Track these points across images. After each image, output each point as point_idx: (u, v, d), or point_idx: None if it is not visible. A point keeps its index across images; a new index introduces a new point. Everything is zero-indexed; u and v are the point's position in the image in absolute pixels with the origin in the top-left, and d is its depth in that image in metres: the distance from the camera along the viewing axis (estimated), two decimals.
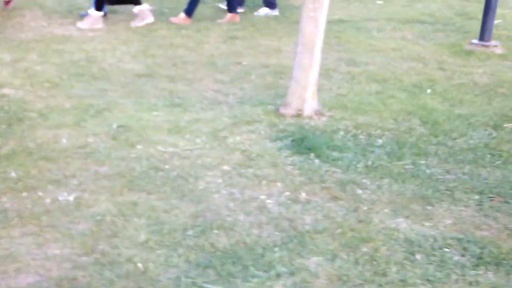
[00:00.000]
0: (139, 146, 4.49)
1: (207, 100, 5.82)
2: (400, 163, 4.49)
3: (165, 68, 6.71)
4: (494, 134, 5.17)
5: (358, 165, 4.40)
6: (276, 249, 3.23)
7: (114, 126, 4.82)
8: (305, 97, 5.43)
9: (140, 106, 5.36)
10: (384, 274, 3.04)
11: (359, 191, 3.99)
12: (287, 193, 3.91)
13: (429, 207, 3.81)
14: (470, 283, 2.99)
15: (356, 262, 3.15)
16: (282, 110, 5.47)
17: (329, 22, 7.97)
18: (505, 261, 3.19)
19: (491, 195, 3.99)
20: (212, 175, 4.11)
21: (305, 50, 5.40)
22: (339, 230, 3.46)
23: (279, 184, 4.04)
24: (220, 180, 4.04)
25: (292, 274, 3.00)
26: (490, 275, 3.07)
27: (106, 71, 6.37)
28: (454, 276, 3.04)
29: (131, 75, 6.31)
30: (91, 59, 6.73)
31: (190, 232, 3.35)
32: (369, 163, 4.46)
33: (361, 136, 5.01)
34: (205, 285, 2.86)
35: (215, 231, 3.37)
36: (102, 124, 4.86)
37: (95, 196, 3.71)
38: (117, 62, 6.72)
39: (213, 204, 3.70)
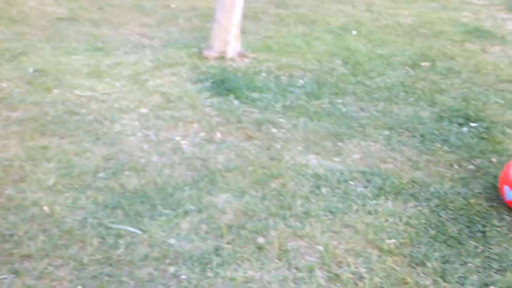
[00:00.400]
0: (55, 91, 4.44)
1: (131, 44, 5.76)
2: (317, 102, 4.58)
3: (89, 12, 6.58)
4: (411, 73, 5.31)
5: (276, 105, 4.47)
6: (186, 188, 3.28)
7: (30, 70, 4.74)
8: (228, 39, 5.43)
9: (59, 50, 5.26)
10: (289, 208, 3.14)
11: (274, 130, 4.06)
12: (203, 134, 3.95)
13: (340, 143, 3.92)
14: (369, 212, 3.12)
15: (264, 197, 3.23)
16: (206, 53, 5.46)
17: None
18: (404, 190, 3.33)
19: (400, 130, 4.13)
20: (128, 118, 4.12)
21: None
22: (250, 168, 3.53)
23: (195, 125, 4.08)
24: (136, 123, 4.05)
25: (199, 211, 3.07)
26: (389, 203, 3.21)
27: (26, 14, 6.20)
28: (355, 207, 3.16)
29: (52, 18, 6.17)
30: (10, 1, 6.53)
31: (101, 175, 3.36)
32: (288, 103, 4.53)
33: (282, 77, 5.08)
34: (111, 225, 2.90)
35: (127, 173, 3.40)
36: (17, 68, 4.77)
37: (4, 142, 3.67)
38: (38, 5, 6.55)
39: (127, 146, 3.72)
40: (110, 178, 3.33)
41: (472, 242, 2.89)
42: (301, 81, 5.00)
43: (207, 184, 3.34)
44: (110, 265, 2.61)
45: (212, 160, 3.62)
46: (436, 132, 4.12)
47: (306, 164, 3.62)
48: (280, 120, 4.23)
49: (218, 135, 3.96)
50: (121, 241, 2.78)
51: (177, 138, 3.87)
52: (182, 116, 4.19)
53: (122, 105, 4.29)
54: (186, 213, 3.05)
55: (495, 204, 3.24)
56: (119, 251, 2.71)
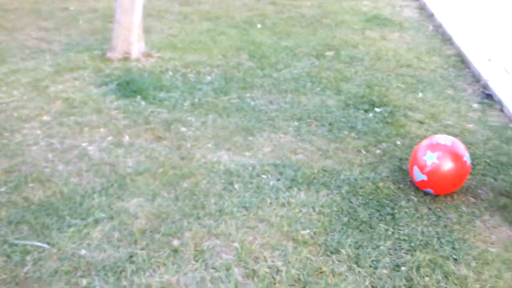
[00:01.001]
0: None
1: (29, 49, 5.53)
2: (226, 98, 4.55)
3: None
4: (316, 63, 5.38)
5: (184, 104, 4.42)
6: (95, 195, 3.18)
7: None
8: (131, 40, 5.31)
9: None
10: (203, 207, 3.10)
11: (184, 129, 4.01)
12: (110, 138, 3.84)
13: (250, 138, 3.91)
14: (283, 204, 3.13)
15: (177, 198, 3.18)
16: (109, 55, 5.32)
17: None
18: (315, 180, 3.37)
19: (309, 120, 4.17)
20: (30, 127, 3.94)
21: None
22: (160, 170, 3.46)
23: (102, 129, 3.96)
24: (38, 132, 3.88)
25: (111, 218, 2.98)
26: (302, 194, 3.23)
27: None
28: (268, 200, 3.17)
29: None
30: None
31: (2, 189, 3.20)
32: (196, 100, 4.49)
33: (190, 75, 5.02)
34: (16, 241, 2.77)
35: (31, 185, 3.25)
36: None
37: None
38: None
39: (30, 156, 3.56)
40: (13, 192, 3.18)
41: (383, 225, 2.96)
42: (208, 78, 4.96)
43: (117, 189, 3.25)
44: (17, 284, 2.49)
45: (121, 164, 3.52)
46: (343, 119, 4.20)
47: (218, 161, 3.60)
48: (189, 118, 4.18)
49: (126, 138, 3.86)
50: (28, 258, 2.65)
51: (83, 145, 3.75)
52: (88, 121, 4.06)
53: (22, 114, 4.11)
54: (96, 221, 2.95)
55: (401, 186, 3.33)
56: (26, 268, 2.58)
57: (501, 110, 4.42)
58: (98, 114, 4.19)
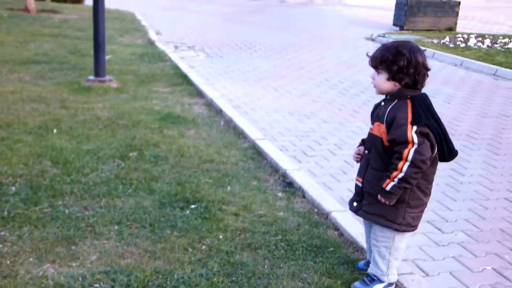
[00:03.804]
0: None
1: None
2: (37, 208, 4.41)
3: None
4: (122, 165, 5.45)
5: None
6: None
7: None
8: None
9: None
10: None
11: None
12: None
13: (73, 247, 3.84)
14: None
15: None
16: None
17: None
18: (150, 283, 3.42)
19: (128, 223, 4.22)
20: None
21: None
22: None
23: None
24: None
25: None
26: None
27: None
28: None
29: None
30: None
31: None
32: (5, 213, 4.28)
33: None
34: None
35: None
36: None
37: None
38: None
39: None
40: None
41: None
42: (13, 188, 4.76)
43: None
44: None
45: None
46: (162, 219, 4.31)
47: (44, 275, 3.47)
48: (2, 233, 3.97)
49: None
50: None
51: None
52: None
53: None
54: None
55: (234, 278, 3.52)
56: None
57: (303, 196, 4.90)
58: None
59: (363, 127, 7.39)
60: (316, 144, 6.62)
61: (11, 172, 5.11)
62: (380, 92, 3.33)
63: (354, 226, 4.31)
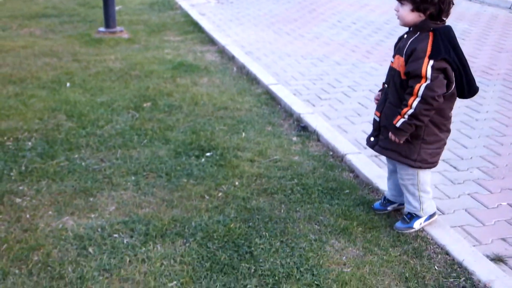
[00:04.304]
0: None
1: None
2: (54, 161, 4.45)
3: None
4: (137, 115, 5.46)
5: (11, 173, 4.23)
6: None
7: None
8: None
9: None
10: (61, 277, 3.03)
11: (18, 200, 3.85)
12: None
13: (91, 199, 3.88)
14: (143, 260, 3.17)
15: (30, 273, 3.06)
16: None
17: None
18: (168, 231, 3.46)
19: (145, 173, 4.24)
20: None
21: None
22: (5, 246, 3.30)
23: None
24: None
25: None
26: (159, 247, 3.30)
27: None
28: (127, 258, 3.18)
29: None
30: None
31: None
32: (23, 168, 4.32)
33: (8, 143, 4.80)
34: None
35: None
36: None
37: None
38: None
39: None
40: None
41: (244, 264, 3.14)
42: (29, 143, 4.79)
43: None
44: None
45: None
46: (178, 168, 4.33)
47: (64, 227, 3.52)
48: (21, 188, 4.02)
49: None
50: None
51: None
52: None
53: None
54: None
55: (251, 224, 3.55)
56: None
57: (318, 140, 4.88)
58: None
59: (377, 67, 7.29)
60: (329, 87, 6.56)
61: (26, 127, 5.14)
62: (404, 24, 3.22)
63: (369, 168, 4.30)
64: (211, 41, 8.71)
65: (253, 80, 6.68)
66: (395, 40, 3.40)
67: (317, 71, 7.16)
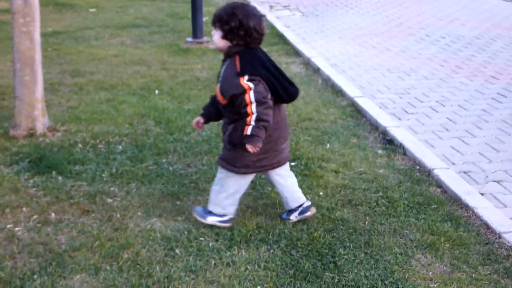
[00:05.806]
0: None
1: None
2: (143, 165, 4.59)
3: None
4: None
5: (103, 175, 4.40)
6: (36, 276, 3.10)
7: None
8: (35, 115, 5.23)
9: None
10: (150, 275, 3.12)
11: (109, 200, 4.00)
12: (35, 217, 3.76)
13: (178, 202, 3.98)
14: (228, 264, 3.22)
15: (121, 270, 3.18)
16: (13, 132, 5.19)
17: (44, 35, 7.76)
18: (253, 237, 3.50)
19: None
20: None
21: (24, 66, 5.17)
22: (97, 243, 3.44)
23: (24, 209, 3.86)
24: None
25: None
26: (243, 252, 3.34)
27: None
28: (213, 261, 3.25)
29: None
30: None
31: None
32: (114, 170, 4.49)
33: (100, 146, 5.00)
34: None
35: None
36: None
37: None
38: None
39: None
40: None
41: (328, 274, 3.13)
42: (119, 147, 4.97)
43: (57, 267, 3.19)
44: None
45: (54, 242, 3.46)
46: (263, 176, 4.35)
47: (152, 228, 3.63)
48: (112, 189, 4.18)
49: (53, 215, 3.79)
50: None
51: (9, 226, 3.64)
52: (7, 202, 3.94)
53: None
54: None
55: (335, 234, 3.54)
56: None
57: (404, 153, 4.81)
58: (16, 193, 4.08)
59: (467, 83, 7.11)
60: (416, 101, 6.45)
61: (117, 131, 5.33)
62: (218, 49, 3.45)
63: (458, 183, 4.20)
64: (296, 53, 8.76)
65: (338, 92, 6.67)
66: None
67: (403, 85, 7.06)
